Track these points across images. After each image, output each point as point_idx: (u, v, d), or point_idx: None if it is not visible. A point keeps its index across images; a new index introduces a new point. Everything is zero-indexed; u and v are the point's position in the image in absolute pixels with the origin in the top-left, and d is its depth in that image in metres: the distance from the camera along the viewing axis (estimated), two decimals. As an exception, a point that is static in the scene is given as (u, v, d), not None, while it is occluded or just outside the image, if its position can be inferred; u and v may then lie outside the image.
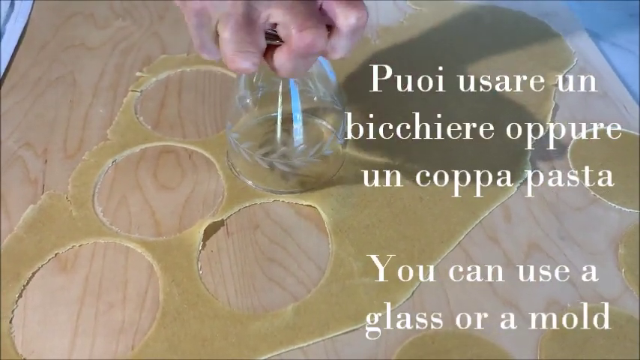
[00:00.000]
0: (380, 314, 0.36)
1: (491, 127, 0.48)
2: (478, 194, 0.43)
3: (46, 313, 0.36)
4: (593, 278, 0.39)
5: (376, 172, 0.44)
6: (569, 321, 0.36)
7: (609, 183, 0.44)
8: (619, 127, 0.49)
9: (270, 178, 0.42)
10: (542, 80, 0.53)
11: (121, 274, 0.38)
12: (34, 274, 0.38)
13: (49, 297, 0.37)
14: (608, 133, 0.48)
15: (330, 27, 0.32)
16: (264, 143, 0.42)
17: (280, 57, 0.32)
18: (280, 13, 0.30)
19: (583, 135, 0.48)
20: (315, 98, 0.41)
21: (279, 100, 0.40)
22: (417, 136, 0.47)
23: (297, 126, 0.41)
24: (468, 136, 0.47)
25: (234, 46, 0.31)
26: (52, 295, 0.37)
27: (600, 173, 0.45)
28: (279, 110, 0.40)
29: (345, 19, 0.31)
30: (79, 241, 0.39)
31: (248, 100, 0.41)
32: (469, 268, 0.39)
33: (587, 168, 0.45)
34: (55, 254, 0.39)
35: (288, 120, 0.40)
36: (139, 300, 0.37)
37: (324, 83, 0.41)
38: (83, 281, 0.37)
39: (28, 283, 0.37)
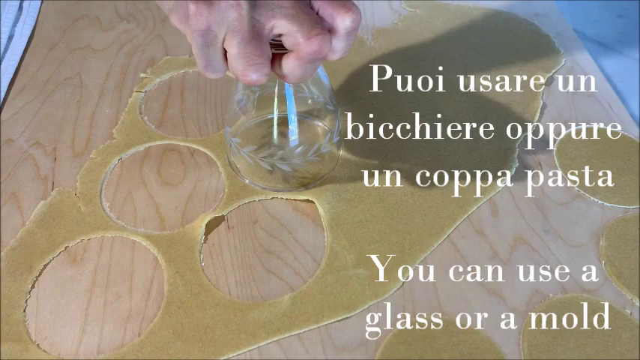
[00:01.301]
0: (372, 302, 0.38)
1: (481, 126, 0.50)
2: (467, 191, 0.45)
3: (57, 303, 0.38)
4: (575, 270, 0.41)
5: (369, 170, 0.46)
6: (551, 310, 0.38)
7: (593, 179, 0.46)
8: (604, 126, 0.50)
9: (268, 178, 0.44)
10: (530, 80, 0.55)
11: (128, 266, 0.40)
12: (45, 266, 0.40)
13: (59, 287, 0.39)
14: (594, 132, 0.50)
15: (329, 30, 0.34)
16: (261, 144, 0.44)
17: (289, 64, 0.33)
18: (285, 24, 0.32)
19: (570, 134, 0.50)
20: (309, 101, 0.43)
21: (275, 102, 0.41)
22: (409, 136, 0.49)
23: (293, 127, 0.42)
24: (458, 135, 0.49)
25: (243, 60, 0.32)
26: (62, 286, 0.39)
27: (585, 170, 0.47)
28: (276, 112, 0.42)
29: (342, 21, 0.33)
30: (88, 235, 0.42)
31: (245, 103, 0.43)
32: (457, 260, 0.41)
33: (572, 165, 0.47)
34: (65, 247, 0.41)
35: (284, 121, 0.42)
36: (144, 290, 0.39)
37: (318, 86, 0.43)
38: (92, 273, 0.40)
39: (40, 275, 0.39)
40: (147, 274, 0.40)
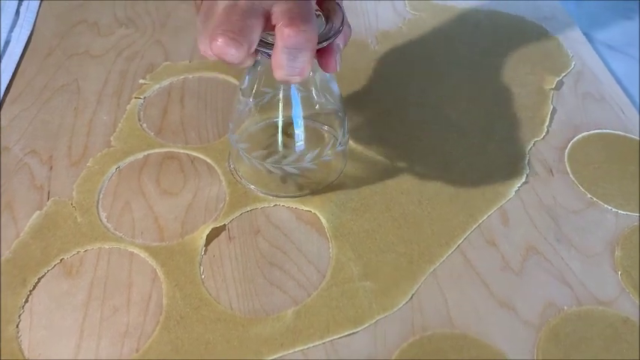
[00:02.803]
0: (380, 317, 0.37)
1: (490, 131, 0.49)
2: (477, 199, 0.44)
3: (51, 318, 0.37)
4: (590, 281, 0.39)
5: (375, 178, 0.45)
6: (566, 323, 0.37)
7: (606, 186, 0.45)
8: (616, 131, 0.49)
9: (272, 183, 0.43)
10: (540, 84, 0.53)
11: (125, 279, 0.39)
12: (39, 279, 0.38)
13: (54, 301, 0.37)
14: (606, 137, 0.49)
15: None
16: (266, 148, 0.43)
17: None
18: (218, 18, 0.32)
19: (581, 139, 0.48)
20: (317, 105, 0.42)
21: (280, 105, 0.40)
22: (415, 142, 0.48)
23: (299, 131, 0.41)
24: (466, 141, 0.48)
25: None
26: (57, 300, 0.37)
27: (597, 176, 0.45)
28: (280, 115, 0.41)
29: (281, 36, 0.32)
30: (84, 246, 0.40)
31: (250, 106, 0.42)
32: (467, 271, 0.39)
33: (584, 171, 0.46)
34: (61, 259, 0.40)
35: (289, 125, 0.41)
36: (142, 304, 0.37)
37: (327, 91, 0.41)
38: (88, 286, 0.38)
39: (34, 288, 0.38)
40: (145, 287, 0.38)
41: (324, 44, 0.34)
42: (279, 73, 0.33)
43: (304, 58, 0.32)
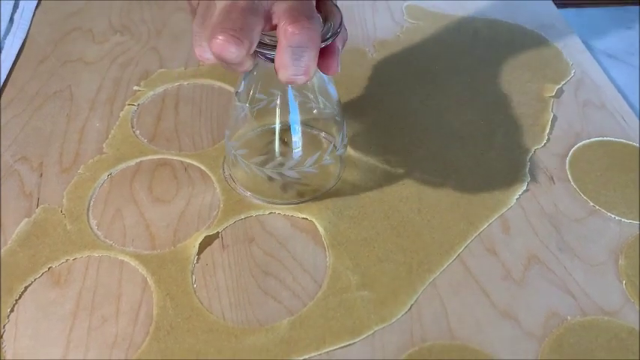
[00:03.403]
0: (378, 327, 0.36)
1: (490, 139, 0.48)
2: (477, 207, 0.43)
3: (38, 328, 0.35)
4: (594, 290, 0.38)
5: (373, 185, 0.44)
6: (570, 333, 0.36)
7: (608, 194, 0.44)
8: (618, 138, 0.48)
9: (268, 190, 0.42)
10: (539, 92, 0.53)
11: (115, 288, 0.37)
12: (26, 288, 0.37)
13: (41, 311, 0.36)
14: (607, 144, 0.48)
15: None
16: (263, 154, 0.42)
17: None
18: (217, 17, 0.31)
19: (582, 147, 0.48)
20: (315, 110, 0.41)
21: (278, 111, 0.39)
22: (414, 150, 0.47)
23: (296, 137, 0.40)
24: (466, 149, 0.47)
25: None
26: (44, 309, 0.36)
27: (599, 184, 0.45)
28: (278, 121, 0.40)
29: (285, 35, 0.31)
30: (73, 254, 0.39)
31: (247, 112, 0.41)
32: (467, 281, 0.38)
33: (585, 179, 0.45)
34: (49, 268, 0.38)
35: (287, 131, 0.40)
36: (132, 314, 0.36)
37: (324, 95, 0.41)
38: (76, 295, 0.37)
39: (20, 298, 0.37)
40: (135, 297, 0.37)
41: (325, 44, 0.33)
42: (283, 74, 0.32)
43: (309, 57, 0.32)
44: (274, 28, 0.32)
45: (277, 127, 0.40)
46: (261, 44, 0.33)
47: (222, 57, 0.31)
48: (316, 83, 0.40)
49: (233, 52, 0.30)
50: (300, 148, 0.41)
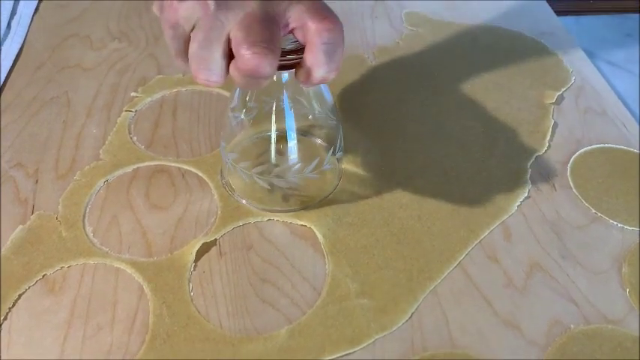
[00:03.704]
0: (378, 336, 0.35)
1: (490, 145, 0.47)
2: (478, 214, 0.42)
3: (31, 336, 0.35)
4: (597, 298, 0.37)
5: (372, 193, 0.43)
6: (574, 342, 0.35)
7: (610, 201, 0.43)
8: (619, 145, 0.48)
9: (266, 197, 0.42)
10: (540, 98, 0.52)
11: (110, 296, 0.37)
12: (20, 295, 0.37)
13: (35, 319, 0.35)
14: (608, 151, 0.47)
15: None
16: (259, 162, 0.42)
17: (231, 71, 0.31)
18: (235, 32, 0.30)
19: (584, 153, 0.47)
20: (310, 117, 0.41)
21: (273, 118, 0.39)
22: (415, 156, 0.46)
23: (292, 144, 0.40)
24: (466, 155, 0.47)
25: (197, 60, 0.31)
26: (38, 318, 0.35)
27: (601, 191, 0.44)
28: (273, 129, 0.40)
29: (318, 33, 0.31)
30: (68, 262, 0.38)
31: (242, 120, 0.41)
32: (469, 289, 0.38)
33: (587, 186, 0.44)
34: (43, 275, 0.38)
35: (282, 138, 0.40)
36: (128, 322, 0.35)
37: (320, 102, 0.40)
38: (71, 303, 0.36)
39: (13, 305, 0.36)
40: (131, 305, 0.36)
41: None
42: (318, 72, 0.32)
43: (341, 53, 0.32)
44: (287, 33, 0.32)
45: (273, 134, 0.40)
46: None
47: (256, 73, 0.30)
48: (311, 90, 0.39)
49: (268, 65, 0.30)
50: (296, 155, 0.40)
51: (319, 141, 0.43)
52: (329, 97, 0.40)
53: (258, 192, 0.41)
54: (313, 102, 0.40)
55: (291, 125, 0.39)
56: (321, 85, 0.39)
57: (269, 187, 0.41)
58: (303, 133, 0.42)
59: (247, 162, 0.41)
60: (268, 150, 0.41)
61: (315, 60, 0.31)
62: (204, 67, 0.31)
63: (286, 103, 0.38)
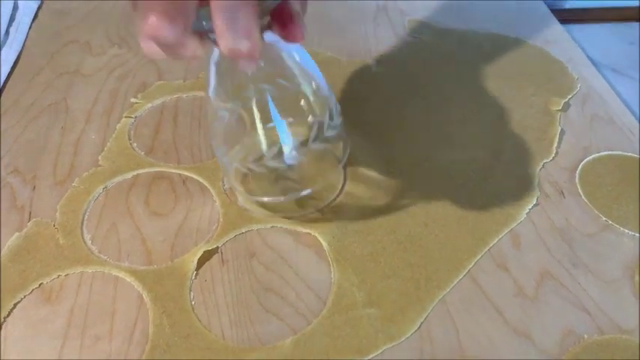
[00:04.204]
0: (386, 347, 0.34)
1: (497, 152, 0.47)
2: (486, 221, 0.41)
3: (26, 346, 0.33)
4: (609, 307, 0.36)
5: (378, 200, 0.42)
6: (588, 353, 0.34)
7: (620, 208, 0.43)
8: (627, 152, 0.47)
9: (279, 206, 0.40)
10: (545, 106, 0.52)
11: (109, 305, 0.36)
12: (15, 304, 0.35)
13: (30, 329, 0.34)
14: (617, 158, 0.47)
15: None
16: (254, 157, 0.39)
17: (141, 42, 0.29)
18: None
19: (592, 160, 0.46)
20: (301, 101, 0.37)
21: (255, 110, 0.36)
22: (421, 162, 0.46)
23: (282, 132, 0.37)
24: (473, 162, 0.46)
25: (154, 3, 0.26)
26: (34, 327, 0.34)
27: (610, 198, 0.43)
28: (259, 125, 0.36)
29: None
30: (65, 270, 0.37)
31: (226, 121, 0.38)
32: (478, 298, 0.37)
33: (596, 193, 0.44)
34: (40, 284, 0.37)
35: (273, 128, 0.37)
36: (127, 332, 0.34)
37: (304, 78, 0.37)
38: (68, 313, 0.35)
39: (9, 315, 0.35)
40: (130, 314, 0.35)
41: (273, 3, 0.30)
42: (224, 45, 0.28)
43: (246, 17, 0.27)
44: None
45: (260, 129, 0.37)
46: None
47: (157, 39, 0.27)
48: (291, 65, 0.36)
49: (167, 28, 0.26)
50: (290, 141, 0.37)
51: (310, 119, 0.38)
52: (313, 68, 0.37)
53: (267, 187, 0.40)
54: (298, 80, 0.37)
55: (276, 116, 0.36)
56: (300, 57, 0.36)
57: (272, 180, 0.39)
58: (294, 115, 0.38)
59: (242, 159, 0.39)
60: (260, 144, 0.38)
61: (216, 30, 0.27)
62: (140, 39, 0.28)
63: (268, 96, 0.35)
